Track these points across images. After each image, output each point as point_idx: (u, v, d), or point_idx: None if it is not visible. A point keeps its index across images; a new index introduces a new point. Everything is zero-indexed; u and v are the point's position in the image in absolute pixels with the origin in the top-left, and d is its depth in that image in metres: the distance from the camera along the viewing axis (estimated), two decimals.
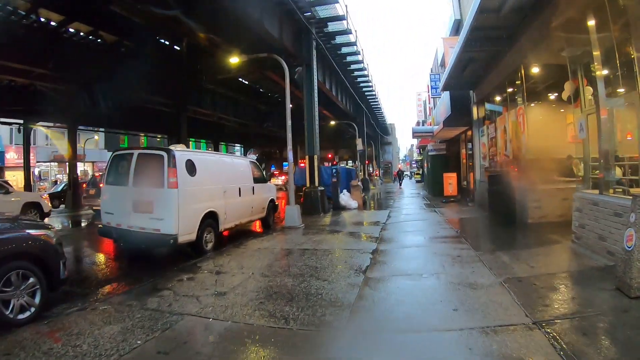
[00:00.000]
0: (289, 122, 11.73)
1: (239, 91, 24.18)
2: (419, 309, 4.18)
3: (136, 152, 7.09)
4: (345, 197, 15.49)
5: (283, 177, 34.87)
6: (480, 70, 11.63)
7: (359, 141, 25.20)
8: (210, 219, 7.49)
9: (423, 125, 38.75)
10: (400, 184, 29.55)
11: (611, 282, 4.29)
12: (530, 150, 8.85)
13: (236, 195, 8.79)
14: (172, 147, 7.18)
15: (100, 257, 7.98)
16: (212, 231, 7.55)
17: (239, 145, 51.47)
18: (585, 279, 4.80)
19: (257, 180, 10.31)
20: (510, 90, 10.21)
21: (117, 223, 6.90)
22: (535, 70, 8.89)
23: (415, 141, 71.63)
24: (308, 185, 14.81)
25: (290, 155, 11.78)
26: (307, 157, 15.03)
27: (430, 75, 21.75)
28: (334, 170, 16.20)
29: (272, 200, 11.37)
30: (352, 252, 7.12)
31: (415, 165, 60.44)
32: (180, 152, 7.08)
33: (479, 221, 10.05)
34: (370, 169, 44.95)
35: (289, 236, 9.30)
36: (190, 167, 7.09)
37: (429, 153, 20.11)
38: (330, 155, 61.44)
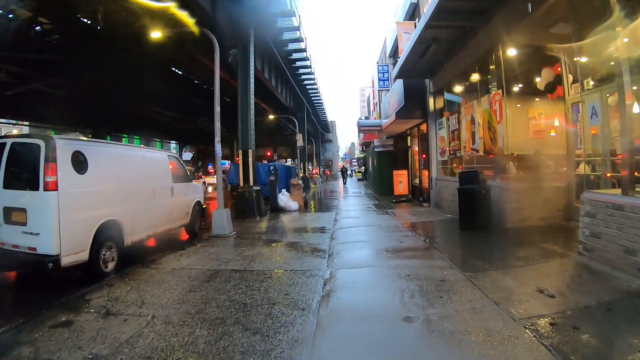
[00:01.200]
0: (217, 109, 9.51)
1: (172, 82, 21.23)
2: None
3: (9, 142, 5.21)
4: (284, 198, 13.50)
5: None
6: (440, 55, 10.25)
7: (299, 137, 23.35)
8: (109, 231, 5.72)
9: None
10: (345, 182, 27.91)
11: None
12: (508, 142, 7.54)
13: (148, 198, 6.93)
14: (57, 136, 5.39)
15: None
16: (113, 247, 5.74)
17: (174, 142, 47.94)
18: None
19: (177, 179, 8.29)
20: (479, 77, 8.90)
21: None
22: (512, 52, 7.58)
23: (356, 139, 71.52)
24: (242, 184, 12.61)
25: (217, 148, 9.53)
26: (240, 151, 12.82)
27: (378, 66, 20.45)
28: (271, 168, 14.17)
29: (198, 203, 9.29)
30: (295, 276, 5.13)
31: (355, 163, 60.03)
32: (65, 142, 5.36)
33: (445, 226, 8.56)
34: (311, 166, 43.39)
35: (216, 249, 7.14)
36: (79, 162, 5.40)
37: (375, 149, 18.74)
38: (269, 153, 59.04)
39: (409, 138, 16.83)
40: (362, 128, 18.36)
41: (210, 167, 44.81)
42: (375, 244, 6.94)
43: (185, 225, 8.69)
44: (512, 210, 7.34)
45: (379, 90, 21.40)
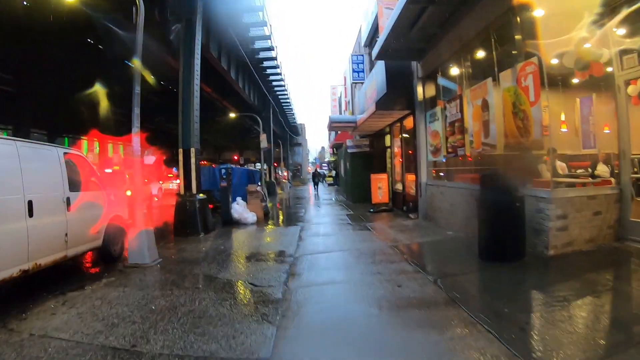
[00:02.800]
0: (136, 89, 6.80)
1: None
2: None
3: None
4: (239, 208, 10.77)
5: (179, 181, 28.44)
6: (436, 26, 7.96)
7: (263, 137, 20.56)
8: None
9: None
10: (317, 188, 24.77)
11: None
12: (548, 131, 5.24)
13: (18, 215, 4.41)
14: None
15: None
16: None
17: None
18: None
19: (80, 186, 5.87)
20: (494, 47, 6.56)
21: None
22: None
23: (327, 143, 69.37)
24: (183, 192, 9.79)
25: (135, 142, 6.75)
26: (180, 151, 10.00)
27: (352, 56, 18.09)
28: (222, 171, 11.40)
29: (118, 219, 6.73)
30: None
31: (326, 167, 57.66)
32: None
33: (453, 250, 6.04)
34: (280, 171, 40.62)
35: (119, 292, 4.55)
36: None
37: (349, 150, 16.28)
38: (235, 157, 55.87)
39: (387, 137, 14.49)
40: (334, 124, 15.78)
41: (176, 171, 41.13)
42: (357, 290, 4.34)
43: (99, 248, 6.24)
44: (555, 229, 5.02)
45: (352, 83, 19.05)
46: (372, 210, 12.05)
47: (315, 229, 9.25)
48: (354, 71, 17.27)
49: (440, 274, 4.62)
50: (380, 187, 12.24)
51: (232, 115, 22.76)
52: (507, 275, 4.47)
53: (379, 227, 9.12)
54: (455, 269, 4.84)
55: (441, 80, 8.93)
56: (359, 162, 15.94)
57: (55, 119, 23.84)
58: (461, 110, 7.47)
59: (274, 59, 22.56)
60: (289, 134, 49.63)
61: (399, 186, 12.37)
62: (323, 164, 64.36)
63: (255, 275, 5.18)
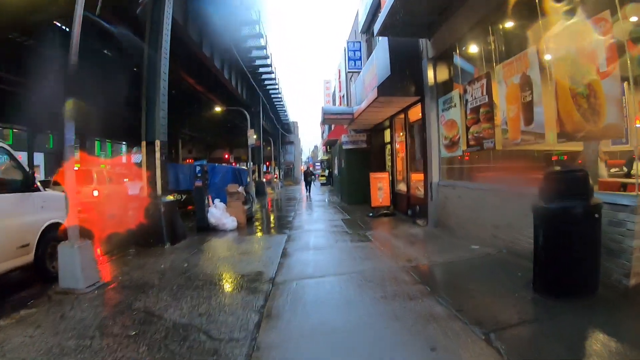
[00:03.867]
0: (73, 57, 5.16)
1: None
2: None
3: None
4: (217, 212, 9.14)
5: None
6: None
7: (251, 132, 18.94)
8: None
9: None
10: (309, 188, 22.59)
11: None
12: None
13: None
14: None
15: None
16: None
17: (124, 142, 41.56)
18: None
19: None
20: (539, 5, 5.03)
21: None
22: None
23: (319, 142, 67.70)
24: (147, 194, 8.14)
25: (68, 131, 5.07)
26: (143, 144, 8.34)
27: (348, 43, 16.44)
28: (197, 169, 9.74)
29: (54, 227, 5.33)
30: None
31: (319, 167, 56.06)
32: None
33: (492, 277, 4.36)
34: (273, 170, 38.98)
35: (27, 339, 3.25)
36: None
37: (343, 147, 14.70)
38: (226, 155, 54.03)
39: (387, 132, 12.95)
40: (328, 116, 14.07)
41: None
42: (366, 357, 2.79)
43: (33, 264, 4.99)
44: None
45: (348, 72, 17.46)
46: (371, 214, 10.50)
47: (304, 239, 7.65)
48: (349, 59, 15.68)
49: (490, 324, 3.04)
50: (380, 188, 10.68)
51: (218, 109, 21.04)
52: (589, 323, 2.93)
53: (383, 237, 7.56)
54: (509, 313, 3.26)
55: (458, 60, 7.39)
56: (355, 159, 14.39)
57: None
58: (489, 93, 5.92)
59: (264, 47, 20.96)
60: (280, 131, 47.95)
61: (402, 187, 10.83)
62: (316, 163, 62.80)
63: (214, 316, 3.59)
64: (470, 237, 6.31)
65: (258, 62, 24.34)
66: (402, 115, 10.45)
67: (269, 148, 42.02)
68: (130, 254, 6.70)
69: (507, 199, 5.42)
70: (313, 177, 20.60)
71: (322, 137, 40.29)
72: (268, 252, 6.47)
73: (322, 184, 36.87)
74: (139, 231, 7.60)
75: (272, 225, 10.57)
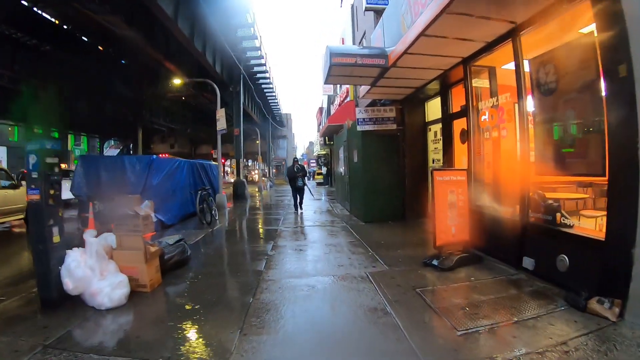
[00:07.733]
0: None
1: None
2: None
3: None
4: (81, 265, 3.57)
5: None
6: None
7: (220, 113, 13.29)
8: None
9: (330, 106, 27.54)
10: (300, 195, 12.25)
11: None
12: None
13: None
14: None
15: None
16: None
17: (96, 135, 36.69)
18: None
19: None
20: None
21: None
22: None
23: (314, 137, 61.90)
24: None
25: None
26: None
27: None
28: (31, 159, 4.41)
29: None
30: None
31: (314, 164, 50.38)
32: None
33: None
34: (265, 167, 33.32)
35: None
36: None
37: (359, 127, 9.06)
38: (212, 151, 48.20)
39: (430, 103, 7.44)
40: (338, 60, 6.72)
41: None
42: None
43: None
44: None
45: (365, 10, 11.74)
46: (435, 262, 4.94)
47: None
48: None
49: None
50: (452, 205, 5.09)
51: (178, 81, 15.36)
52: None
53: None
54: None
55: None
56: (375, 149, 8.77)
57: None
58: None
59: (251, 25, 15.90)
60: (270, 122, 42.28)
61: (507, 205, 5.18)
62: (311, 161, 57.16)
63: None
64: None
65: (245, 44, 18.94)
66: (484, 63, 4.83)
67: (258, 142, 36.47)
68: None
69: None
70: (304, 177, 11.36)
71: (319, 128, 34.67)
72: None
73: (318, 184, 31.34)
74: None
75: (211, 292, 4.72)
